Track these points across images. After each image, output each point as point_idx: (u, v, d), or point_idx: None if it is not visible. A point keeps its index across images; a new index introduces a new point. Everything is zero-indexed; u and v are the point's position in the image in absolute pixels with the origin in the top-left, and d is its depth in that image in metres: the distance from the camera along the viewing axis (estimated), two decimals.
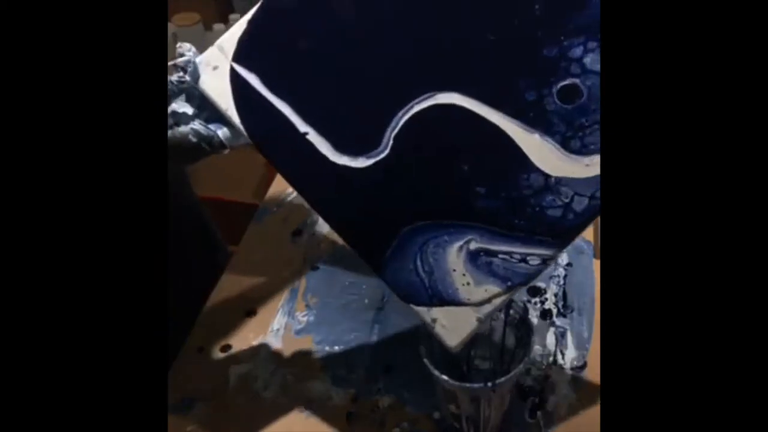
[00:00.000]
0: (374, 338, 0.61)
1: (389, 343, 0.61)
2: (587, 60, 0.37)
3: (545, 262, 0.39)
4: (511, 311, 0.48)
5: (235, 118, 0.41)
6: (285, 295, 0.67)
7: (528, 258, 0.39)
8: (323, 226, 0.74)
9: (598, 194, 0.38)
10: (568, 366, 0.57)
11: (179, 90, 0.41)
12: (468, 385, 0.44)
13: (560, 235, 0.38)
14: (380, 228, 0.40)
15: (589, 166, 0.37)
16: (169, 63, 0.40)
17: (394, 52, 0.40)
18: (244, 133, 0.41)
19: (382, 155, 0.40)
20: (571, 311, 0.62)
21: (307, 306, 0.65)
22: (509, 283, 0.39)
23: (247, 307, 0.66)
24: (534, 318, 0.61)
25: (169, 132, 0.41)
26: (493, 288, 0.39)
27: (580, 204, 0.38)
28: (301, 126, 0.40)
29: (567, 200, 0.38)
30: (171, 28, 1.33)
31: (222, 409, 0.57)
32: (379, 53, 0.40)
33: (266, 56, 0.41)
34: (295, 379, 0.59)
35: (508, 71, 0.38)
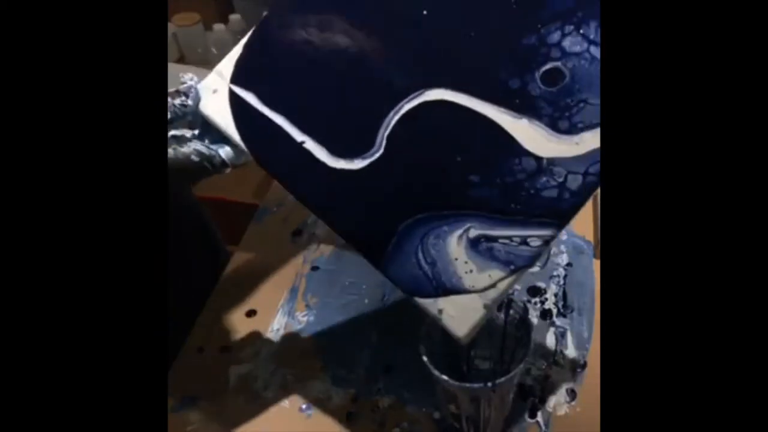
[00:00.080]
0: (374, 338, 0.61)
1: (389, 343, 0.61)
2: (566, 43, 0.39)
3: (546, 242, 0.39)
4: (511, 311, 0.48)
5: (235, 135, 0.43)
6: (285, 295, 0.67)
7: (529, 240, 0.39)
8: (323, 226, 0.74)
9: (591, 170, 0.38)
10: (568, 366, 0.57)
11: (182, 114, 0.43)
12: (468, 385, 0.44)
13: (558, 215, 0.39)
14: (380, 225, 0.41)
15: (579, 144, 0.38)
16: (172, 89, 0.42)
17: (381, 56, 0.41)
18: (245, 149, 0.43)
19: (377, 155, 0.41)
20: (571, 311, 0.62)
21: (307, 306, 0.65)
22: (512, 267, 0.39)
23: (247, 307, 0.66)
24: (534, 318, 0.61)
25: (172, 152, 0.42)
26: (497, 273, 0.40)
27: (575, 182, 0.39)
28: (298, 136, 0.42)
29: (561, 180, 0.39)
30: (171, 28, 1.33)
31: (222, 409, 0.57)
32: (367, 60, 0.42)
33: (262, 75, 0.43)
34: (295, 379, 0.59)
35: (491, 63, 0.40)
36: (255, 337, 0.63)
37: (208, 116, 0.43)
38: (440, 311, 0.40)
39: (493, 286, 0.39)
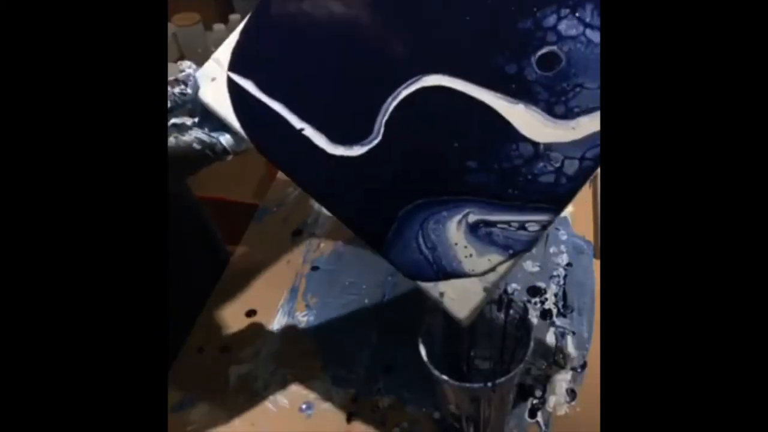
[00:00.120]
0: (374, 338, 0.61)
1: (389, 343, 0.61)
2: (562, 27, 0.39)
3: (544, 227, 0.40)
4: (511, 311, 0.48)
5: (235, 122, 0.43)
6: (285, 295, 0.67)
7: (527, 225, 0.40)
8: (323, 226, 0.74)
9: (588, 155, 0.38)
10: (568, 366, 0.57)
11: (182, 102, 0.43)
12: (468, 385, 0.44)
13: (555, 200, 0.39)
14: (380, 211, 0.42)
15: (576, 129, 0.39)
16: (171, 78, 0.42)
17: (378, 42, 0.41)
18: (245, 136, 0.43)
19: (376, 142, 0.41)
20: (571, 311, 0.62)
21: (307, 306, 0.65)
22: (511, 251, 0.40)
23: (247, 307, 0.65)
24: (534, 318, 0.61)
25: (173, 141, 0.42)
26: (496, 257, 0.40)
27: (572, 167, 0.39)
28: (297, 123, 0.42)
29: (558, 165, 0.39)
30: (171, 28, 1.33)
31: (222, 409, 0.57)
32: (364, 46, 0.42)
33: (259, 62, 0.43)
34: (295, 379, 0.59)
35: (488, 48, 0.40)
36: (255, 337, 0.63)
37: (207, 104, 0.43)
38: (441, 294, 0.41)
39: (492, 269, 0.40)
